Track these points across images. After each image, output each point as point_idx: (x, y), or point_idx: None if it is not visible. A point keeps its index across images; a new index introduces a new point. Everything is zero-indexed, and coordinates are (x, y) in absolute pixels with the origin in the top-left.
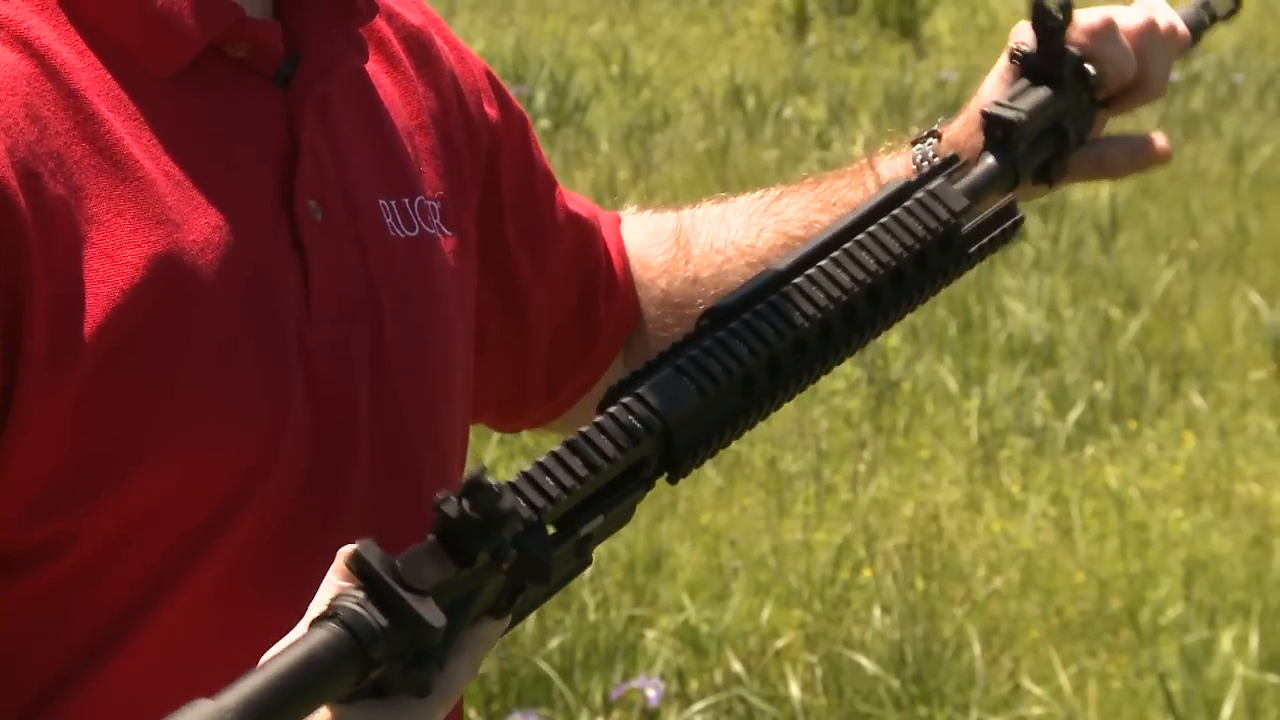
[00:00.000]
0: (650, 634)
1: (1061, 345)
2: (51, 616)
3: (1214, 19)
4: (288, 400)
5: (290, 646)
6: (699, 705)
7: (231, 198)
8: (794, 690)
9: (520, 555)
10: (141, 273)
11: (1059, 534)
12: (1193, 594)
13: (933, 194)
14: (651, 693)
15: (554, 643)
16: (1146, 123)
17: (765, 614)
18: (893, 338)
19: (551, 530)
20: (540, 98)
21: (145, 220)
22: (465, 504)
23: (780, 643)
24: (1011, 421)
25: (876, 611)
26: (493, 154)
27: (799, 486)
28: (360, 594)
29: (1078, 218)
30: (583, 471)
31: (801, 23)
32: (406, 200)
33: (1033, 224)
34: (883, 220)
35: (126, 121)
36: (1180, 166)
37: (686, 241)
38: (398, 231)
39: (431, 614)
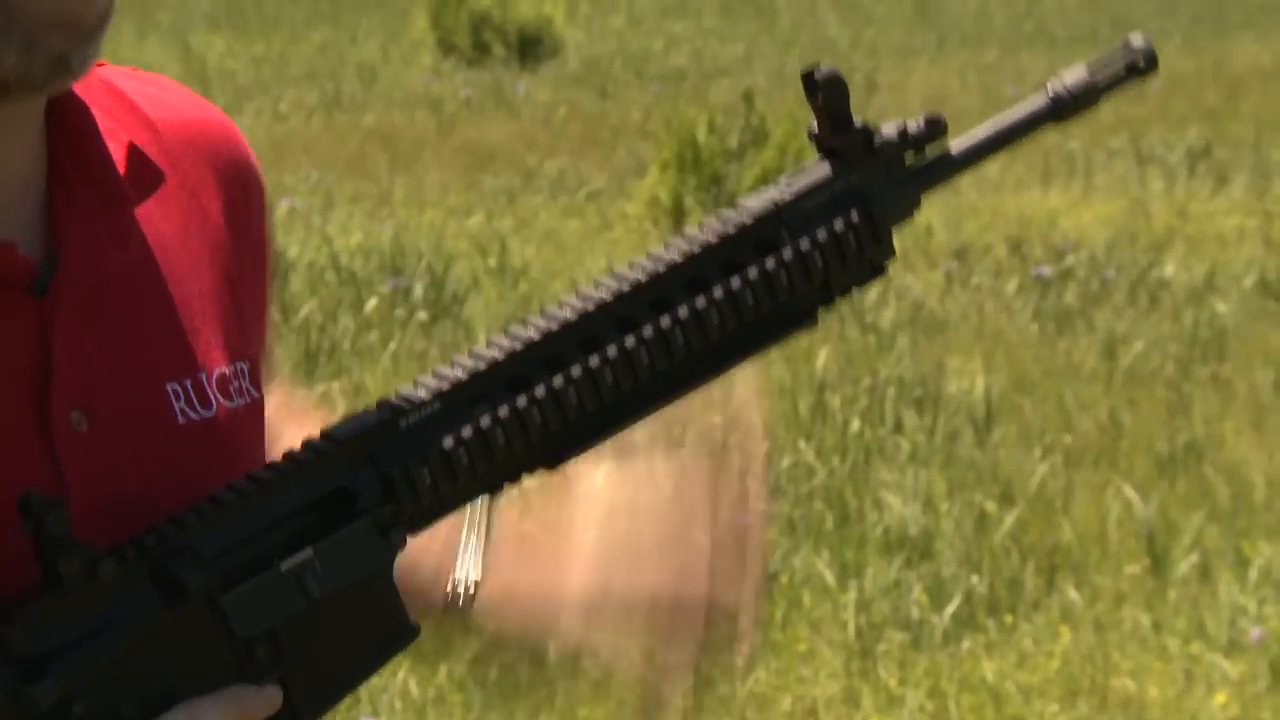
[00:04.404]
0: None
1: (938, 538)
2: None
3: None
4: None
5: None
6: None
7: None
8: None
9: (153, 570)
10: None
11: None
12: None
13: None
14: None
15: None
16: (1020, 315)
17: None
18: (770, 531)
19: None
20: (418, 289)
21: None
22: (29, 526)
23: None
24: (889, 615)
25: None
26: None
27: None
28: None
29: (953, 411)
30: (229, 498)
31: (678, 216)
32: (203, 376)
33: (908, 418)
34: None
35: None
36: (1054, 361)
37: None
38: (191, 415)
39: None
